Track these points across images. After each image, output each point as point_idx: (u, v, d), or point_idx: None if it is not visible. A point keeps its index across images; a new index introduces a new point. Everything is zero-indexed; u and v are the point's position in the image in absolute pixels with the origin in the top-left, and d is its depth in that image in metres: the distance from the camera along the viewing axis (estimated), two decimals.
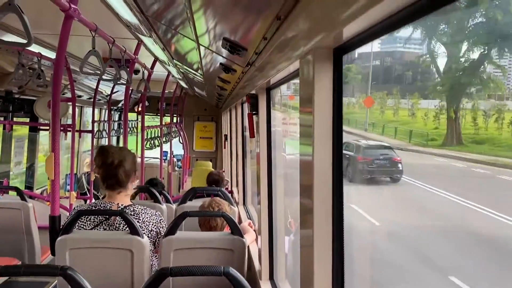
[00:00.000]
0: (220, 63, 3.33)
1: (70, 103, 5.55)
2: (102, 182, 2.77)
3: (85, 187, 7.23)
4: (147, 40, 3.96)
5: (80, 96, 7.09)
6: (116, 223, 2.67)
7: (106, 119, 8.84)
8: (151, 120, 11.43)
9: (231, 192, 6.62)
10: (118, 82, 3.91)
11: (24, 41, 2.10)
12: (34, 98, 5.99)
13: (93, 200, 6.31)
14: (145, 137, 6.70)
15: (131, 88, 5.57)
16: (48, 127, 5.87)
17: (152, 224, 2.72)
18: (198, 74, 5.20)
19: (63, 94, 5.98)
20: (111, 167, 2.72)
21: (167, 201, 4.17)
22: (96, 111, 8.28)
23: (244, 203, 5.87)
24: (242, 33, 2.14)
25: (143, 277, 2.51)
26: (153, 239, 2.72)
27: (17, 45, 3.29)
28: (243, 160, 5.99)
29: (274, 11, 1.52)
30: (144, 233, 2.62)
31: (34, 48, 4.25)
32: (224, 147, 9.77)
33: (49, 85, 4.35)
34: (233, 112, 6.63)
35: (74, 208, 2.81)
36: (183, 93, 10.57)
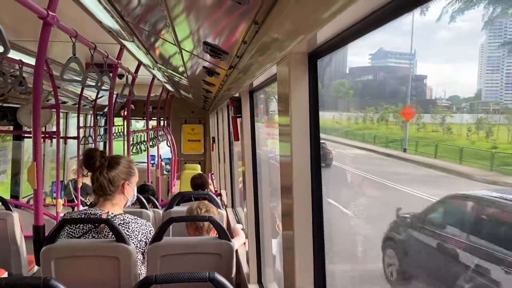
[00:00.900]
0: (204, 67, 3.33)
1: (54, 110, 5.49)
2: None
3: (72, 194, 7.16)
4: (130, 45, 3.94)
5: (64, 102, 7.02)
6: (105, 231, 2.64)
7: (92, 124, 8.77)
8: (139, 122, 11.37)
9: (220, 195, 6.60)
10: (101, 87, 3.88)
11: (1, 50, 2.07)
12: (17, 105, 5.92)
13: (81, 207, 6.25)
14: (132, 141, 6.66)
15: (116, 93, 5.53)
16: (31, 135, 5.80)
17: (142, 234, 2.69)
18: (183, 78, 5.19)
19: (47, 100, 5.92)
20: (95, 173, 2.70)
21: (155, 206, 4.15)
22: (82, 117, 8.21)
23: (232, 206, 5.86)
24: (222, 37, 2.14)
25: (130, 285, 2.49)
26: (142, 249, 2.69)
27: None
28: (230, 163, 5.99)
29: (251, 16, 1.53)
30: (133, 242, 2.60)
31: (15, 55, 4.20)
32: (212, 150, 9.75)
33: (31, 92, 4.30)
34: (219, 114, 6.62)
35: (64, 215, 2.78)
36: (170, 96, 10.53)
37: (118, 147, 7.67)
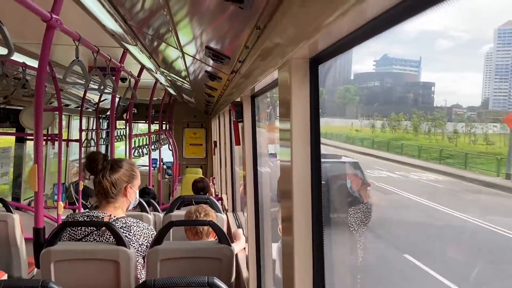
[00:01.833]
0: (206, 71, 3.34)
1: (57, 112, 5.51)
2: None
3: (74, 197, 7.17)
4: (133, 49, 3.96)
5: (67, 105, 7.04)
6: (107, 234, 2.64)
7: (94, 127, 8.79)
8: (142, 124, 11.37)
9: (221, 199, 6.60)
10: (104, 91, 3.90)
11: (5, 52, 2.09)
12: (20, 108, 5.94)
13: (82, 210, 6.25)
14: (133, 145, 6.67)
15: (118, 96, 5.54)
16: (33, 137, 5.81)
17: (143, 238, 2.68)
18: (186, 82, 5.20)
19: (50, 103, 5.94)
20: (97, 176, 2.70)
21: (156, 210, 4.15)
22: (84, 119, 8.23)
23: (233, 210, 5.86)
24: (224, 42, 2.15)
25: None
26: (143, 253, 2.69)
27: None
28: (231, 167, 5.99)
29: (253, 21, 1.53)
30: (134, 246, 2.59)
31: (18, 57, 4.22)
32: (214, 154, 9.76)
33: (34, 95, 4.31)
34: (221, 118, 6.63)
35: (66, 217, 2.78)
36: (172, 100, 10.55)
37: (120, 150, 7.68)
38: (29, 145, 6.78)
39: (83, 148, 7.07)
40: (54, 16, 2.38)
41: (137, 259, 2.61)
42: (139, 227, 2.68)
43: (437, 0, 0.66)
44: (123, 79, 5.30)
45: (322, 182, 1.28)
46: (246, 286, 3.03)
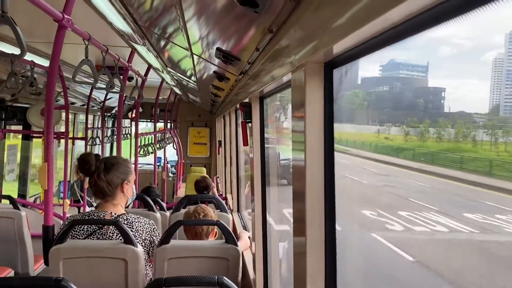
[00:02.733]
0: (214, 71, 3.35)
1: (63, 110, 5.54)
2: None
3: (78, 195, 7.20)
4: (141, 48, 3.98)
5: (73, 103, 7.07)
6: (110, 232, 2.66)
7: (99, 125, 8.82)
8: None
9: (225, 198, 6.62)
10: (112, 90, 3.92)
11: (18, 52, 2.11)
12: (27, 105, 5.98)
13: (87, 208, 6.28)
14: (139, 143, 6.69)
15: (124, 95, 5.57)
16: (41, 135, 5.85)
17: (146, 233, 2.71)
18: (192, 81, 5.22)
19: (56, 101, 5.97)
20: (92, 177, 2.72)
21: (161, 208, 4.17)
22: (90, 117, 8.27)
23: (238, 210, 5.87)
24: (235, 43, 2.16)
25: (137, 287, 2.51)
26: (147, 248, 2.71)
27: (11, 56, 3.29)
28: (237, 167, 6.01)
29: (266, 24, 1.55)
30: (138, 242, 2.61)
31: (27, 56, 4.24)
32: (219, 153, 9.77)
33: (42, 93, 4.35)
34: (227, 118, 6.65)
35: (68, 217, 2.80)
36: (177, 99, 10.58)
37: (125, 149, 7.70)
38: (35, 142, 6.82)
39: (88, 146, 7.11)
40: (66, 16, 2.40)
41: (143, 256, 2.63)
42: (141, 222, 2.71)
43: (459, 12, 0.67)
44: (130, 78, 5.32)
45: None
46: (253, 286, 3.04)
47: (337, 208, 1.33)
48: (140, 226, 2.69)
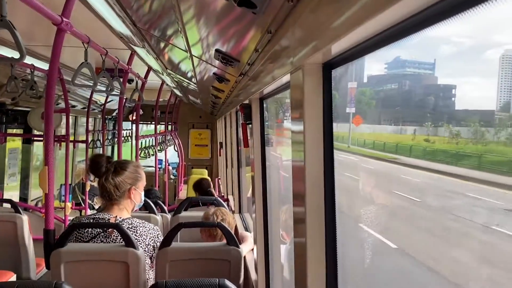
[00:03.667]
0: (214, 73, 3.35)
1: (64, 114, 5.54)
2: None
3: (80, 197, 7.20)
4: (140, 51, 3.98)
5: (74, 106, 7.08)
6: (113, 236, 2.65)
7: (100, 128, 8.83)
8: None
9: (227, 200, 6.61)
10: (112, 92, 3.92)
11: (17, 56, 2.10)
12: (27, 109, 5.98)
13: (89, 210, 6.28)
14: (140, 146, 6.69)
15: (125, 98, 5.57)
16: (42, 138, 5.86)
17: (150, 238, 2.69)
18: (192, 83, 5.22)
19: (57, 104, 5.98)
20: (101, 179, 2.71)
21: (162, 211, 4.16)
22: (91, 120, 8.27)
23: (240, 211, 5.87)
24: (234, 45, 2.16)
25: None
26: (150, 253, 2.70)
27: (10, 60, 3.29)
28: (238, 168, 6.00)
29: (265, 25, 1.54)
30: (141, 246, 2.60)
31: (27, 60, 4.25)
32: (220, 155, 9.77)
33: (42, 96, 4.36)
34: (227, 119, 6.64)
35: (73, 219, 2.80)
36: (178, 101, 10.58)
37: (126, 151, 7.70)
38: (36, 146, 6.83)
39: (89, 149, 7.11)
40: (64, 19, 2.40)
41: (145, 259, 2.63)
42: (145, 227, 2.69)
43: (457, 11, 0.67)
44: (130, 81, 5.32)
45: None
46: None
47: None
48: (145, 231, 2.68)
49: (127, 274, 2.49)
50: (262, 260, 2.91)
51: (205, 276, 2.51)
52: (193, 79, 4.80)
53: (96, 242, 2.64)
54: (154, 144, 7.77)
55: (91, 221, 2.68)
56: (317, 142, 1.29)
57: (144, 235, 2.67)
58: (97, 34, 3.15)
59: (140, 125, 11.53)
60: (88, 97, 6.91)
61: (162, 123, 9.72)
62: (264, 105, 2.93)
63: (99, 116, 8.78)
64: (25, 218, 4.15)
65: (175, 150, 10.68)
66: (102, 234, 2.65)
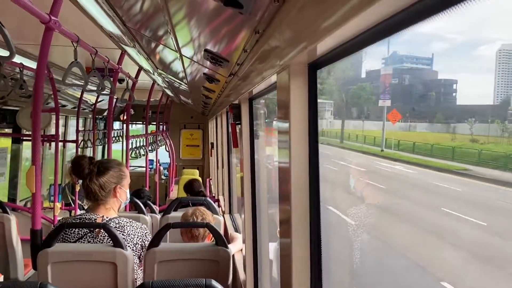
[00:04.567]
0: (204, 73, 3.35)
1: (54, 113, 5.50)
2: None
3: (69, 198, 7.15)
4: (131, 50, 3.96)
5: (64, 106, 7.03)
6: (101, 236, 2.64)
7: (91, 128, 8.78)
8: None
9: (217, 201, 6.60)
10: (102, 92, 3.90)
11: (6, 54, 2.09)
12: (17, 108, 5.93)
13: (78, 211, 6.24)
14: (130, 146, 6.66)
15: (115, 97, 5.55)
16: (31, 138, 5.80)
17: (137, 238, 2.69)
18: (183, 83, 5.21)
19: (47, 104, 5.93)
20: (85, 180, 2.71)
21: (152, 211, 4.14)
22: (82, 120, 8.22)
23: (230, 212, 5.86)
24: (223, 45, 2.16)
25: None
26: (138, 252, 2.69)
27: None
28: (229, 169, 6.00)
29: (252, 25, 1.55)
30: (129, 246, 2.59)
31: (16, 58, 4.20)
32: (211, 155, 9.75)
33: (32, 95, 4.31)
34: (218, 120, 6.64)
35: (59, 220, 2.78)
36: (169, 101, 10.55)
37: (117, 151, 7.65)
38: (26, 146, 6.77)
39: (79, 149, 7.06)
40: (53, 18, 2.38)
41: (133, 259, 2.62)
42: (133, 226, 2.69)
43: (443, 7, 0.67)
44: (121, 80, 5.30)
45: None
46: None
47: None
48: (132, 230, 2.67)
49: (115, 274, 2.48)
50: (251, 260, 2.91)
51: (193, 276, 2.51)
52: (184, 80, 4.79)
53: (83, 243, 2.62)
54: (145, 144, 7.74)
55: (78, 221, 2.66)
56: (302, 143, 1.29)
57: (131, 234, 2.66)
58: (87, 33, 3.13)
59: (131, 125, 11.50)
60: (79, 96, 6.86)
61: (153, 123, 9.68)
62: (254, 105, 2.93)
63: (90, 116, 8.72)
64: (13, 218, 4.11)
65: (166, 151, 10.65)
66: (89, 234, 2.64)
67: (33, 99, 2.69)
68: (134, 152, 7.33)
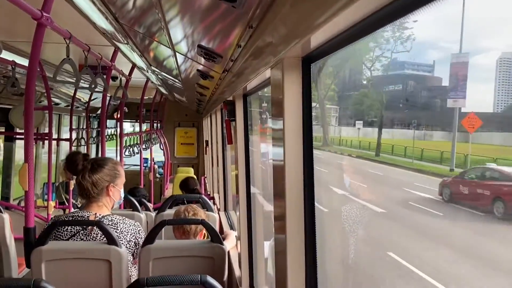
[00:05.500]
0: (198, 70, 3.33)
1: (47, 111, 5.46)
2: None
3: (63, 196, 7.11)
4: (124, 47, 3.94)
5: (57, 104, 6.98)
6: (94, 233, 2.63)
7: (84, 126, 8.73)
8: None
9: (212, 198, 6.60)
10: (95, 89, 3.87)
11: None
12: (9, 106, 5.88)
13: (72, 210, 6.20)
14: (124, 144, 6.63)
15: (109, 95, 5.52)
16: (23, 136, 5.76)
17: (131, 235, 2.68)
18: (177, 80, 5.19)
19: (40, 102, 5.89)
20: (78, 177, 2.69)
21: (147, 209, 4.13)
22: (75, 119, 8.17)
23: (225, 209, 5.86)
24: (216, 41, 2.15)
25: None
26: (132, 249, 2.68)
27: None
28: (223, 166, 5.99)
29: (246, 20, 1.54)
30: (122, 243, 2.58)
31: (8, 56, 4.17)
32: (206, 153, 9.74)
33: (24, 93, 4.28)
34: (213, 117, 6.63)
35: (52, 218, 2.76)
36: (163, 99, 10.51)
37: (111, 150, 7.61)
38: (19, 144, 6.72)
39: (73, 148, 7.02)
40: (44, 14, 2.36)
41: (127, 257, 2.61)
42: (126, 224, 2.68)
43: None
44: (114, 78, 5.27)
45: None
46: (239, 285, 3.03)
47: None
48: (125, 228, 2.66)
49: (109, 272, 2.47)
50: (246, 257, 2.91)
51: (189, 273, 2.50)
52: (178, 77, 4.77)
53: (76, 240, 2.61)
54: (139, 142, 7.71)
55: (71, 219, 2.65)
56: (296, 138, 1.29)
57: (125, 231, 2.65)
58: (79, 30, 3.10)
59: (125, 123, 11.45)
60: (72, 94, 6.81)
61: (147, 121, 9.65)
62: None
63: (84, 114, 8.67)
64: (6, 216, 4.08)
65: (161, 149, 10.62)
66: (82, 232, 2.63)
67: (25, 96, 2.66)
68: (128, 150, 7.30)
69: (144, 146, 7.98)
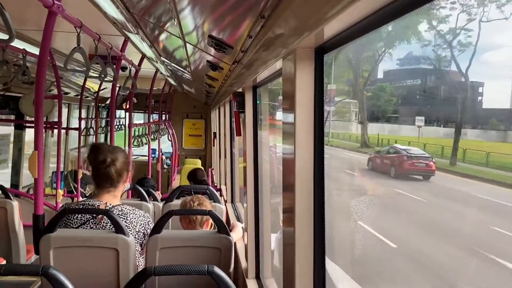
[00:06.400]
0: (207, 61, 3.32)
1: (56, 100, 5.49)
2: (93, 180, 2.77)
3: (72, 185, 7.17)
4: (134, 37, 3.93)
5: (67, 93, 7.02)
6: (103, 222, 2.65)
7: (93, 116, 8.77)
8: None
9: (220, 190, 6.61)
10: (105, 79, 3.88)
11: (6, 37, 2.07)
12: (20, 95, 5.92)
13: (80, 198, 6.25)
14: (133, 134, 6.66)
15: (118, 85, 5.52)
16: (33, 125, 5.79)
17: (140, 225, 2.69)
18: (186, 72, 5.18)
19: (50, 91, 5.92)
20: (103, 166, 2.70)
21: (155, 199, 4.15)
22: (84, 108, 8.20)
23: (232, 201, 5.87)
24: (227, 31, 2.13)
25: (128, 277, 2.50)
26: (140, 240, 2.70)
27: None
28: (231, 158, 5.99)
29: (258, 9, 1.52)
30: (131, 233, 2.60)
31: (19, 44, 4.19)
32: (213, 145, 9.75)
33: (34, 82, 4.29)
34: (221, 109, 6.62)
35: (62, 205, 2.79)
36: (172, 90, 10.52)
37: (119, 139, 7.64)
38: (28, 132, 6.77)
39: (82, 137, 7.07)
40: (56, 2, 2.36)
41: (135, 246, 2.62)
42: (136, 214, 2.69)
43: None
44: (124, 68, 5.27)
45: None
46: (245, 276, 3.04)
47: None
48: (135, 218, 2.68)
49: (117, 260, 2.49)
50: (253, 248, 2.91)
51: (195, 263, 2.51)
52: (187, 68, 4.76)
53: (85, 229, 2.63)
54: (147, 133, 7.73)
55: (81, 207, 2.66)
56: (307, 131, 1.28)
57: (134, 222, 2.67)
58: (90, 19, 3.10)
59: (136, 114, 11.48)
60: (81, 84, 6.84)
61: (156, 112, 9.67)
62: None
63: (93, 103, 8.71)
64: (15, 204, 4.12)
65: (169, 140, 10.65)
66: (92, 220, 2.64)
67: (35, 84, 2.67)
68: (136, 140, 7.32)
69: (152, 137, 8.00)
